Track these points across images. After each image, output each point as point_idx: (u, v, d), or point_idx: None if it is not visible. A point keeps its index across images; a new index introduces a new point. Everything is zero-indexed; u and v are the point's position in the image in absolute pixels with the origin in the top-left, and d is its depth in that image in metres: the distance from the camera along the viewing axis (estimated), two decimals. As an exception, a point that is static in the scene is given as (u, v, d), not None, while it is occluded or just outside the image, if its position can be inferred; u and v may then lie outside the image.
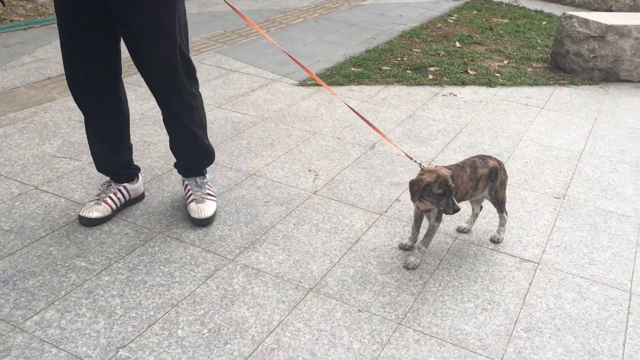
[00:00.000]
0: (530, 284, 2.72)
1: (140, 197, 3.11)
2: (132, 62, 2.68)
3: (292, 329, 2.35)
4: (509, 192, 3.13)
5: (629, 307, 2.63)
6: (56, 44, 5.53)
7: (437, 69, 5.52)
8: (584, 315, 2.55)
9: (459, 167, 2.77)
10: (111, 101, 2.79)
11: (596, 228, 3.20)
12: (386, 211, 3.21)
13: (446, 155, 3.89)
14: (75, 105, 2.81)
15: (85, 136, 3.02)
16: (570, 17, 5.68)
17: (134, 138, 3.76)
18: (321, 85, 4.79)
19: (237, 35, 6.17)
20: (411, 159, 2.83)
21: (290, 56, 3.06)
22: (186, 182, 3.05)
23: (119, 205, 2.97)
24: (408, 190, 2.65)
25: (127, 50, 2.64)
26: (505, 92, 5.13)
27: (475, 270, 2.80)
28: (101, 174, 3.15)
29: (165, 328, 2.31)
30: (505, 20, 7.49)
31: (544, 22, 7.48)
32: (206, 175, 3.11)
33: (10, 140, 3.68)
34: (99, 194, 2.97)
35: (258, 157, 3.68)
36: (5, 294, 2.42)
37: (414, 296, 2.59)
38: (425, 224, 2.83)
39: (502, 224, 3.01)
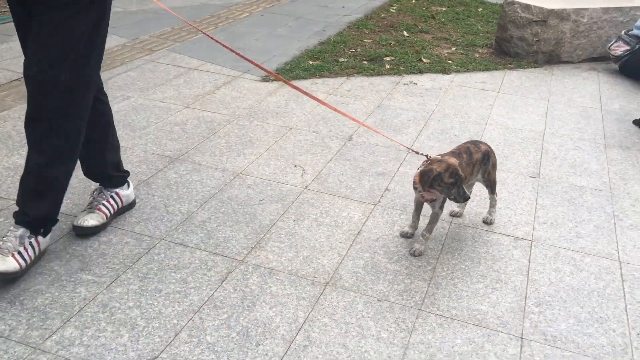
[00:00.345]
0: (529, 261, 2.85)
1: (132, 204, 3.03)
2: (114, 57, 2.56)
3: (319, 325, 2.37)
4: (494, 175, 3.25)
5: (621, 274, 2.80)
6: (1, 47, 5.24)
7: (393, 58, 5.62)
8: (584, 286, 2.71)
9: (455, 155, 2.85)
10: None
11: (574, 203, 3.38)
12: (379, 201, 3.27)
13: (422, 142, 3.99)
14: None
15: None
16: (512, 2, 5.92)
17: (110, 143, 3.64)
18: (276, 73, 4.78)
19: (187, 32, 6.04)
20: (417, 152, 2.87)
21: (252, 62, 3.04)
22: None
23: (112, 212, 2.88)
24: (415, 179, 2.71)
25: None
26: (460, 79, 5.29)
27: (477, 252, 2.90)
28: (87, 182, 3.03)
29: (193, 335, 2.27)
30: (444, 8, 7.70)
31: (480, 9, 7.74)
32: None
33: (-24, 153, 3.48)
34: (91, 202, 2.87)
35: (241, 156, 3.65)
36: (15, 315, 2.31)
37: (427, 282, 2.66)
38: (425, 212, 2.90)
39: (493, 205, 3.13)
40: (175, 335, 2.26)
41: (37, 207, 2.53)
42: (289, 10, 7.20)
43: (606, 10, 5.87)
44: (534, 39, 5.79)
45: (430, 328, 2.39)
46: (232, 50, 3.01)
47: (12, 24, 2.53)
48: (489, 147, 2.98)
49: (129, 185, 2.99)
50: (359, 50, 5.83)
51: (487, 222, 3.14)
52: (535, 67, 5.76)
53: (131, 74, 4.80)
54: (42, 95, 2.36)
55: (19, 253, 2.47)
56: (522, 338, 2.37)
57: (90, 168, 2.91)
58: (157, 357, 2.17)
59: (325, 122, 4.20)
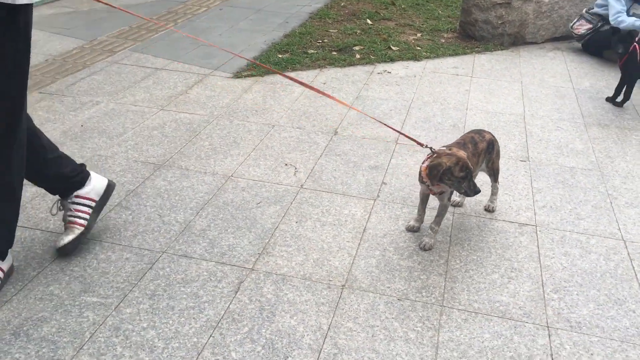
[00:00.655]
0: (538, 247, 2.84)
1: (110, 189, 2.78)
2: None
3: (344, 330, 2.29)
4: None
5: (628, 254, 2.83)
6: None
7: (362, 47, 5.55)
8: (595, 268, 2.71)
9: (460, 145, 2.81)
10: None
11: (568, 185, 3.40)
12: (378, 196, 3.20)
13: (408, 132, 3.93)
14: None
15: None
16: (475, -14, 5.93)
17: (85, 153, 3.45)
18: (258, 76, 4.67)
19: (146, 30, 5.81)
20: (422, 145, 2.79)
21: (240, 55, 2.92)
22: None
23: (87, 216, 2.66)
24: (426, 173, 2.64)
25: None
26: (432, 65, 5.27)
27: (485, 241, 2.87)
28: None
29: (216, 353, 2.16)
30: (402, -6, 7.66)
31: (437, -7, 7.73)
32: None
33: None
34: (63, 220, 2.67)
35: (228, 158, 3.51)
36: (22, 347, 2.14)
37: (443, 276, 2.62)
38: (429, 205, 2.85)
39: (495, 193, 3.11)
40: (198, 355, 2.14)
41: None
42: (247, 3, 7.02)
43: (566, -11, 5.96)
44: (499, 22, 5.82)
45: (457, 324, 2.34)
46: (214, 45, 2.79)
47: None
48: (493, 136, 2.95)
49: (89, 179, 2.70)
50: (326, 41, 5.74)
51: (489, 210, 3.11)
52: (502, 49, 5.79)
53: (96, 78, 4.57)
54: None
55: None
56: (548, 327, 2.35)
57: (44, 186, 2.66)
58: (182, 380, 2.04)
59: (307, 117, 4.10)
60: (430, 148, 2.69)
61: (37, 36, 5.39)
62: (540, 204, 3.19)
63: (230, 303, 2.39)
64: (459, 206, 3.13)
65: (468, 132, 2.94)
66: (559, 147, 3.85)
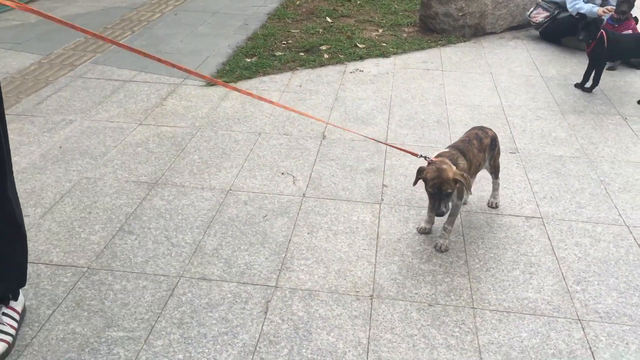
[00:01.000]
0: (549, 239, 2.89)
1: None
2: (7, 90, 2.07)
3: (384, 342, 2.26)
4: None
5: (635, 239, 2.91)
6: None
7: (329, 47, 5.51)
8: (608, 256, 2.78)
9: (466, 142, 2.82)
10: None
11: (561, 174, 3.48)
12: (382, 199, 3.18)
13: (395, 132, 3.93)
14: None
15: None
16: (434, -20, 5.98)
17: (71, 177, 3.28)
18: (231, 82, 4.55)
19: (102, 41, 5.56)
20: (417, 155, 2.77)
21: (197, 74, 2.83)
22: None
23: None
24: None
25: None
26: (401, 61, 5.29)
27: (497, 237, 2.90)
28: (71, 226, 2.67)
29: (261, 380, 2.08)
30: (356, -10, 7.65)
31: (389, -13, 7.76)
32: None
33: None
34: None
35: (222, 171, 3.41)
36: (53, 396, 2.00)
37: (465, 277, 2.62)
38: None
39: (496, 188, 3.14)
40: (242, 384, 2.06)
41: None
42: (201, 6, 6.85)
43: (521, -21, 6.09)
44: (460, 14, 5.89)
45: (492, 326, 2.35)
46: (175, 65, 2.49)
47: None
48: (494, 133, 2.97)
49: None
50: (290, 41, 5.66)
51: (493, 206, 3.14)
52: (464, 41, 5.87)
53: (63, 95, 4.35)
54: None
55: None
56: (579, 320, 2.39)
57: None
58: (233, 413, 1.96)
59: (291, 122, 4.03)
60: (425, 157, 2.67)
61: (-12, 53, 5.09)
62: (540, 195, 3.25)
63: (263, 325, 2.32)
64: (465, 204, 3.13)
65: (471, 129, 2.96)
66: (543, 136, 3.93)
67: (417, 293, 2.51)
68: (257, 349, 2.21)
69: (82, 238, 2.80)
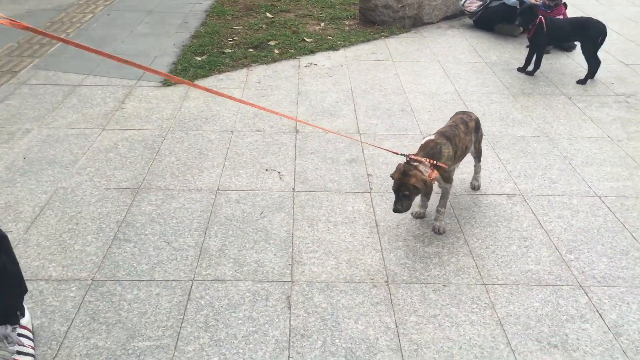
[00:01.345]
0: (534, 214, 3.05)
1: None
2: None
3: (411, 325, 2.32)
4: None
5: (608, 208, 3.13)
6: None
7: (277, 42, 5.51)
8: (589, 225, 2.98)
9: (453, 127, 2.92)
10: None
11: (528, 152, 3.67)
12: (371, 188, 3.24)
13: (365, 122, 4.00)
14: None
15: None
16: (371, -27, 6.09)
17: (46, 188, 3.13)
18: (188, 80, 4.46)
19: (38, 44, 5.29)
20: (397, 153, 2.84)
21: (167, 74, 2.81)
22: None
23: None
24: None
25: None
26: (351, 53, 5.37)
27: (488, 216, 3.03)
28: (60, 238, 2.55)
29: (304, 373, 2.09)
30: (287, -15, 7.66)
31: (319, -19, 7.83)
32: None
33: None
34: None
35: (204, 171, 3.35)
36: (95, 413, 1.92)
37: (469, 256, 2.73)
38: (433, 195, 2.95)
39: (478, 171, 3.28)
40: (286, 379, 2.07)
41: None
42: (133, 5, 6.64)
43: (454, -30, 6.31)
44: (399, 5, 6.04)
45: (506, 299, 2.47)
46: (140, 65, 2.47)
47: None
48: (477, 116, 3.10)
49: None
50: (236, 38, 5.61)
51: (475, 188, 3.28)
52: (405, 31, 6.03)
53: (12, 103, 4.11)
54: None
55: (18, 353, 2.05)
56: (581, 286, 2.55)
57: None
58: (285, 408, 1.96)
59: (260, 118, 4.01)
60: (405, 156, 2.72)
61: None
62: (515, 174, 3.42)
63: (290, 320, 2.32)
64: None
65: (456, 114, 3.07)
66: (502, 118, 4.13)
67: (428, 275, 2.59)
68: (291, 344, 2.21)
69: (76, 250, 2.68)
